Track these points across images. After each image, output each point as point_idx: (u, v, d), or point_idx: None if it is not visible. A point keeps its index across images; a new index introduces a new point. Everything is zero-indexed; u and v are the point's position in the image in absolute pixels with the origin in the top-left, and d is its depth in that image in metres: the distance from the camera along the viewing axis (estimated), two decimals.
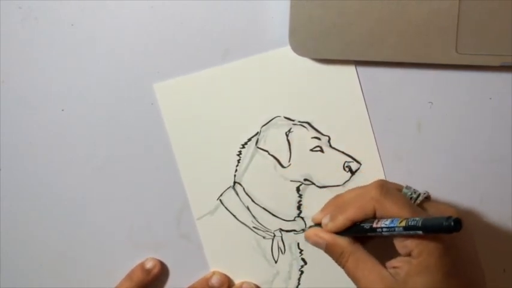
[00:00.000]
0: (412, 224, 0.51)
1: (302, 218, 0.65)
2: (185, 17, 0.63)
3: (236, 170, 0.64)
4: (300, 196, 0.65)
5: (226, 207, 0.65)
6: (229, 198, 0.65)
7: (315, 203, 0.64)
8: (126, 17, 0.63)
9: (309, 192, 0.64)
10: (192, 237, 0.65)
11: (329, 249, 0.58)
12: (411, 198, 0.58)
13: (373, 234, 0.55)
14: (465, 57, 0.61)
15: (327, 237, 0.57)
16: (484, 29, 0.60)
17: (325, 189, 0.64)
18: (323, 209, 0.60)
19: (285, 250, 0.65)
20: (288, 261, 0.65)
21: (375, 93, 0.63)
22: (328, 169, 0.64)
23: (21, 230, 0.65)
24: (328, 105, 0.64)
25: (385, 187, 0.56)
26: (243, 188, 0.65)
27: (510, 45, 0.60)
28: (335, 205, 0.59)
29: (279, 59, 0.63)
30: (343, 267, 0.57)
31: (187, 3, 0.63)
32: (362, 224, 0.55)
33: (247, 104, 0.64)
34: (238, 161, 0.64)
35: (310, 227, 0.62)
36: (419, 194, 0.58)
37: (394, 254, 0.55)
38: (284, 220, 0.65)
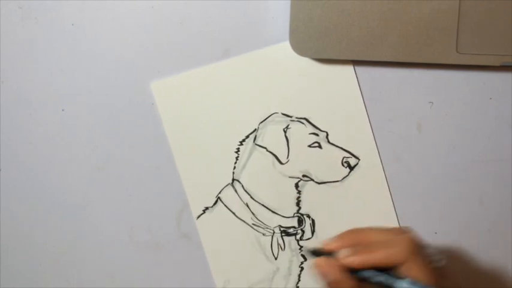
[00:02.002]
0: None
1: (301, 214, 0.65)
2: (185, 17, 0.63)
3: (234, 167, 0.65)
4: (299, 192, 0.65)
5: (225, 205, 0.65)
6: (228, 195, 0.65)
7: (313, 199, 0.64)
8: (126, 17, 0.63)
9: (308, 188, 0.64)
10: (192, 237, 0.65)
11: (332, 286, 0.54)
12: (433, 260, 0.54)
13: None
14: (465, 57, 0.61)
15: (338, 274, 0.53)
16: (484, 29, 0.61)
17: (324, 185, 0.64)
18: (340, 238, 0.56)
19: (284, 247, 0.65)
20: (288, 258, 0.65)
21: (375, 93, 0.63)
22: (327, 165, 0.64)
23: (21, 230, 0.65)
24: (326, 102, 0.64)
25: (417, 246, 0.52)
26: (242, 185, 0.65)
27: (510, 45, 0.60)
28: (356, 239, 0.55)
29: (276, 56, 0.63)
30: None
31: (187, 3, 0.63)
32: (379, 277, 0.52)
33: (245, 100, 0.64)
34: (237, 158, 0.64)
35: (316, 253, 0.56)
36: (439, 259, 0.55)
37: None
38: (283, 217, 0.65)
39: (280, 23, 0.62)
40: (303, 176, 0.64)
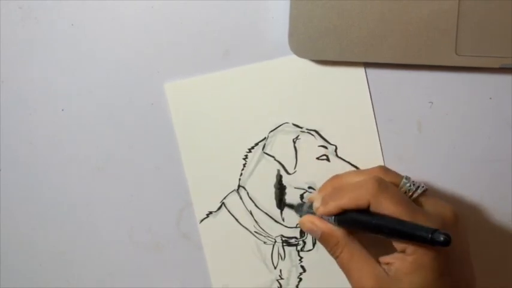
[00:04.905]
0: (400, 233, 0.52)
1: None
2: (185, 17, 0.63)
3: (241, 174, 0.64)
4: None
5: (228, 210, 0.65)
6: (233, 201, 0.65)
7: None
8: (126, 17, 0.63)
9: None
10: (192, 237, 0.65)
11: (324, 239, 0.57)
12: (409, 190, 0.57)
13: (366, 231, 0.55)
14: (465, 59, 0.61)
15: (323, 226, 0.57)
16: (483, 30, 0.60)
17: None
18: (320, 189, 0.60)
19: (284, 256, 0.65)
20: (288, 268, 0.65)
21: (376, 94, 0.63)
22: None
23: (21, 230, 0.65)
24: (336, 112, 0.64)
25: (382, 183, 0.55)
26: (247, 192, 0.65)
27: (510, 47, 0.60)
28: (332, 186, 0.59)
29: (290, 65, 0.63)
30: (336, 258, 0.56)
31: (187, 3, 0.63)
32: (356, 216, 0.55)
33: (257, 108, 0.64)
34: (244, 165, 0.64)
35: (304, 211, 0.61)
36: (417, 187, 0.57)
37: (388, 248, 0.55)
38: (286, 226, 0.65)
39: (280, 23, 0.62)
40: (309, 187, 0.64)
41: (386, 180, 0.56)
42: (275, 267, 0.65)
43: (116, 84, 0.64)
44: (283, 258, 0.65)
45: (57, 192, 0.65)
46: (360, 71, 0.63)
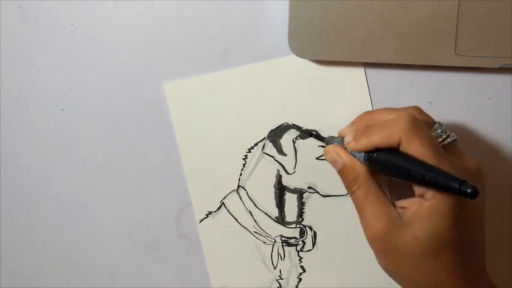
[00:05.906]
0: (428, 179, 0.50)
1: (304, 225, 0.65)
2: (185, 16, 0.63)
3: (241, 174, 0.64)
4: (303, 204, 0.64)
5: (228, 210, 0.65)
6: (232, 201, 0.65)
7: (317, 211, 0.64)
8: (125, 17, 0.63)
9: (312, 200, 0.64)
10: (192, 237, 0.65)
11: (344, 172, 0.56)
12: (439, 136, 0.55)
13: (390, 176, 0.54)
14: (464, 59, 0.61)
15: (347, 159, 0.56)
16: (483, 31, 0.60)
17: (328, 198, 0.64)
18: (352, 124, 0.59)
19: (284, 256, 0.65)
20: (287, 268, 0.65)
21: (376, 94, 0.63)
22: (333, 178, 0.63)
23: (21, 230, 0.65)
24: (336, 112, 0.64)
25: (416, 121, 0.53)
26: (247, 192, 0.65)
27: (509, 47, 0.60)
28: (364, 122, 0.58)
29: (289, 65, 0.63)
30: (352, 193, 0.55)
31: (187, 3, 0.63)
32: (386, 157, 0.53)
33: (256, 108, 0.64)
34: (244, 165, 0.64)
35: (330, 141, 0.60)
36: (448, 135, 0.55)
37: (405, 195, 0.54)
38: (285, 227, 0.65)
39: (280, 23, 0.62)
40: (309, 187, 0.64)
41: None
42: (275, 268, 0.65)
43: (116, 84, 0.64)
44: (282, 259, 0.65)
45: (57, 192, 0.65)
46: (359, 71, 0.63)
